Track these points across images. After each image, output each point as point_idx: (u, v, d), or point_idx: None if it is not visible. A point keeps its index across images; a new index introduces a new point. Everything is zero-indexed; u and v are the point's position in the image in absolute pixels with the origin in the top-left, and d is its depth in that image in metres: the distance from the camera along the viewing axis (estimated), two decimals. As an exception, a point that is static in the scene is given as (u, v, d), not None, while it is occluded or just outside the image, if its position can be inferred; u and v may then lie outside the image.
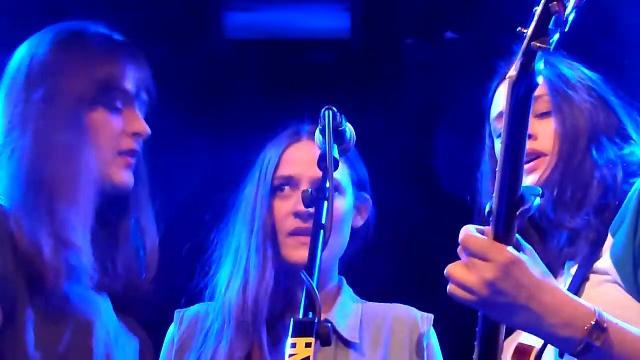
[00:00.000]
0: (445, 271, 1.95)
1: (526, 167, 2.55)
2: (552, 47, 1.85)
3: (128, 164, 2.55)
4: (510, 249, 1.91)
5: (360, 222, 2.90)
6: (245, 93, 4.12)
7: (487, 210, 1.95)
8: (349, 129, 2.38)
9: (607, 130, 2.56)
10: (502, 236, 1.92)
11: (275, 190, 2.81)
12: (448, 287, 1.95)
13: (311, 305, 1.93)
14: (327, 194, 2.16)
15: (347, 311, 2.81)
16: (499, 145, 2.66)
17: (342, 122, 2.33)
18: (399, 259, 3.86)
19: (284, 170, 2.82)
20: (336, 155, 2.26)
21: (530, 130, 2.61)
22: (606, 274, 2.28)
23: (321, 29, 4.24)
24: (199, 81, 4.11)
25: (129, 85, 2.56)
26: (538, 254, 2.00)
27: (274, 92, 4.08)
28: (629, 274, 2.22)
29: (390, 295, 2.94)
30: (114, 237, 2.60)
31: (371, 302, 2.91)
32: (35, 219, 2.36)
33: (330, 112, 2.28)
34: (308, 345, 1.87)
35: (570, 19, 1.84)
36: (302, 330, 1.89)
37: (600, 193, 2.45)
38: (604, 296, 2.16)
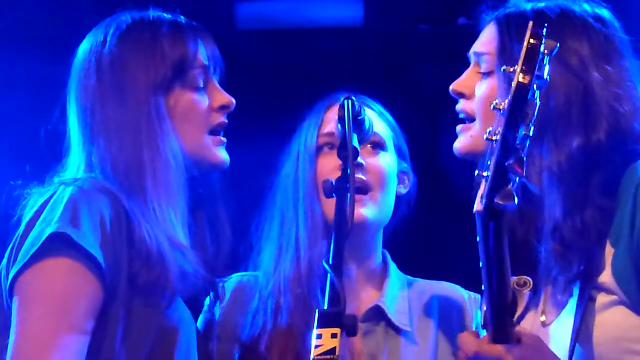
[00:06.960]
0: None
1: (458, 128, 2.42)
2: (515, 200, 1.73)
3: (221, 142, 2.50)
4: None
5: (403, 190, 2.85)
6: (258, 83, 4.11)
7: (481, 323, 1.94)
8: (368, 118, 2.38)
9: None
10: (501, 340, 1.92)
11: (319, 150, 2.75)
12: None
13: (336, 295, 1.94)
14: (349, 184, 2.16)
15: (396, 293, 2.76)
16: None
17: (361, 111, 2.32)
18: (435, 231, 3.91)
19: (328, 128, 2.75)
20: (356, 144, 2.25)
21: (466, 89, 2.41)
22: (611, 292, 2.09)
23: (334, 17, 4.23)
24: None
25: (205, 60, 2.49)
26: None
27: (288, 82, 4.07)
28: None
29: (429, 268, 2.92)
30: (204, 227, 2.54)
31: (416, 279, 2.86)
32: (148, 219, 2.28)
33: (350, 101, 2.28)
34: (334, 335, 1.88)
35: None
36: (328, 321, 1.90)
37: (564, 181, 2.14)
38: (611, 322, 2.07)
